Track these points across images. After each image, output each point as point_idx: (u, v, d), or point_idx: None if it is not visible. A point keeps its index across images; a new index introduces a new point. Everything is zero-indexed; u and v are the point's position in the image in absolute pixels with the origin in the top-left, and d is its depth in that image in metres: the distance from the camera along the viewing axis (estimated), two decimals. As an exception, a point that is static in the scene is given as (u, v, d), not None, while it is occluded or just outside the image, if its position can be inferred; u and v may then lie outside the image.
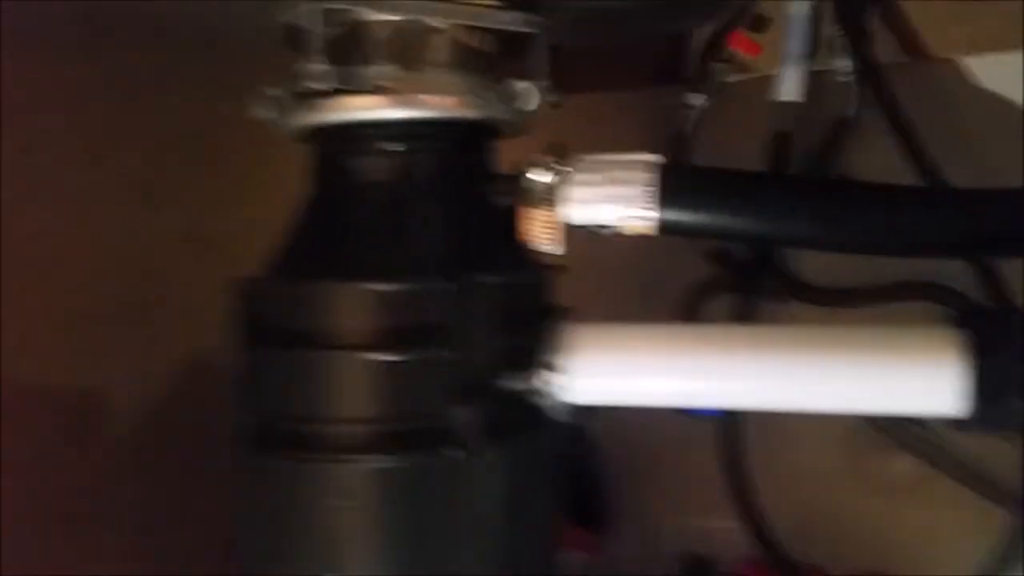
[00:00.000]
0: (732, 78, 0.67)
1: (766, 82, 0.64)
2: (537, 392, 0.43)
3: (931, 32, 0.63)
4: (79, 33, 0.60)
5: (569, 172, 0.42)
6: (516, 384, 0.43)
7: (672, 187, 0.41)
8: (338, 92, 0.41)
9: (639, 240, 0.43)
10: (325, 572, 0.42)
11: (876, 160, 0.64)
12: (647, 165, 0.41)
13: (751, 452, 0.65)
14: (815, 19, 0.62)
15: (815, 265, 0.70)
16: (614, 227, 0.42)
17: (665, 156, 0.66)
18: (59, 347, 0.59)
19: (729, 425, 0.66)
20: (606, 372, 0.44)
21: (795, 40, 0.61)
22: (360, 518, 0.41)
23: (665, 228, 0.41)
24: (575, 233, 0.44)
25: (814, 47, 0.63)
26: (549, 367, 0.43)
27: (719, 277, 0.73)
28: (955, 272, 0.56)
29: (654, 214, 0.41)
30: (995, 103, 0.64)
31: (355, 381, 0.42)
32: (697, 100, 0.66)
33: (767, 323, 0.70)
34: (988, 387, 0.37)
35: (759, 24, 0.65)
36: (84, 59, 0.60)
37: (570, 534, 0.72)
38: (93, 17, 0.60)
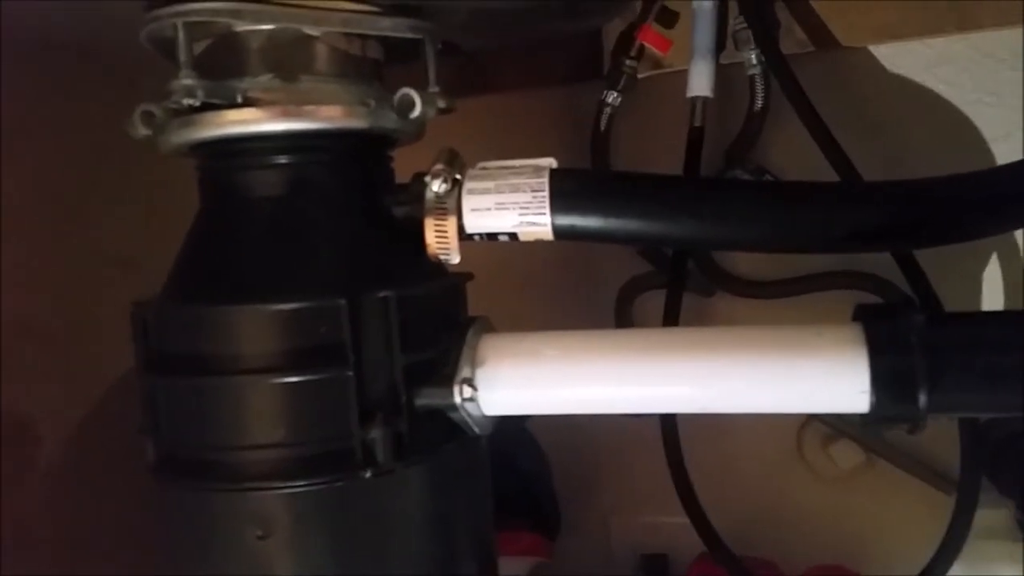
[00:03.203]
0: (644, 74, 0.67)
1: (678, 78, 0.63)
2: (450, 406, 0.43)
3: (836, 22, 0.63)
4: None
5: (461, 180, 0.41)
6: (427, 400, 0.42)
7: (562, 191, 0.40)
8: (212, 107, 0.40)
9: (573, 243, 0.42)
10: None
11: (794, 152, 0.64)
12: (537, 170, 0.40)
13: (696, 447, 0.65)
14: (722, 13, 0.62)
15: (748, 256, 0.70)
16: (511, 234, 0.41)
17: (585, 154, 0.68)
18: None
19: (668, 422, 0.65)
20: (518, 383, 0.43)
21: (702, 35, 0.60)
22: (278, 546, 0.40)
23: (560, 233, 0.40)
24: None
25: (721, 41, 0.62)
26: (459, 381, 0.42)
27: (650, 273, 0.73)
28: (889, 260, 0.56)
29: (546, 219, 0.40)
30: (900, 90, 0.64)
31: (255, 406, 0.40)
32: (610, 97, 0.66)
33: (694, 317, 0.70)
34: (885, 382, 0.37)
35: (667, 19, 0.64)
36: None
37: (522, 539, 0.71)
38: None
